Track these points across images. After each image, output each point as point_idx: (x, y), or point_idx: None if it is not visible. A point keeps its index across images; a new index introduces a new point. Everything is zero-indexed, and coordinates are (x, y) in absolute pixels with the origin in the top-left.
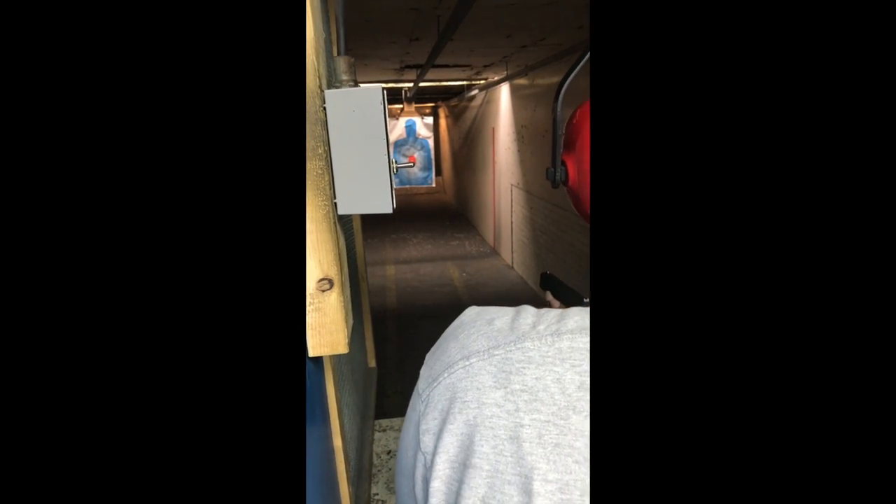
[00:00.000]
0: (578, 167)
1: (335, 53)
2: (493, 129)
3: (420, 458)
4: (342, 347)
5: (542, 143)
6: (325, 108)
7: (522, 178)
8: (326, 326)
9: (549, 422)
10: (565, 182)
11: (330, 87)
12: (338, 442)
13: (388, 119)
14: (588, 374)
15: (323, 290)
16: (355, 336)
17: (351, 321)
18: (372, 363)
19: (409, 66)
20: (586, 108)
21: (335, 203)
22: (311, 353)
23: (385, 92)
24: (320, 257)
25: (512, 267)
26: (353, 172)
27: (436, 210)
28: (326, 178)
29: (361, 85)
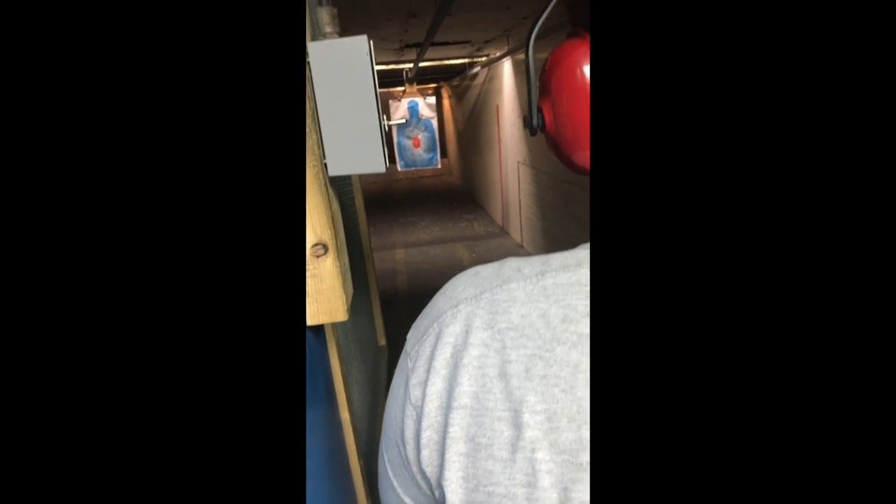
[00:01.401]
0: (554, 112)
1: (319, 4)
2: (497, 107)
3: (410, 413)
4: (341, 314)
5: None
6: (308, 63)
7: (529, 155)
8: (323, 293)
9: (535, 355)
10: (543, 128)
11: (313, 40)
12: (345, 415)
13: (375, 71)
14: (571, 307)
15: (318, 256)
16: (363, 314)
17: (350, 289)
18: (382, 341)
19: (408, 46)
20: (557, 54)
21: (325, 164)
22: (309, 321)
23: (371, 42)
24: (312, 221)
25: (521, 245)
26: (343, 130)
27: (443, 192)
28: (314, 137)
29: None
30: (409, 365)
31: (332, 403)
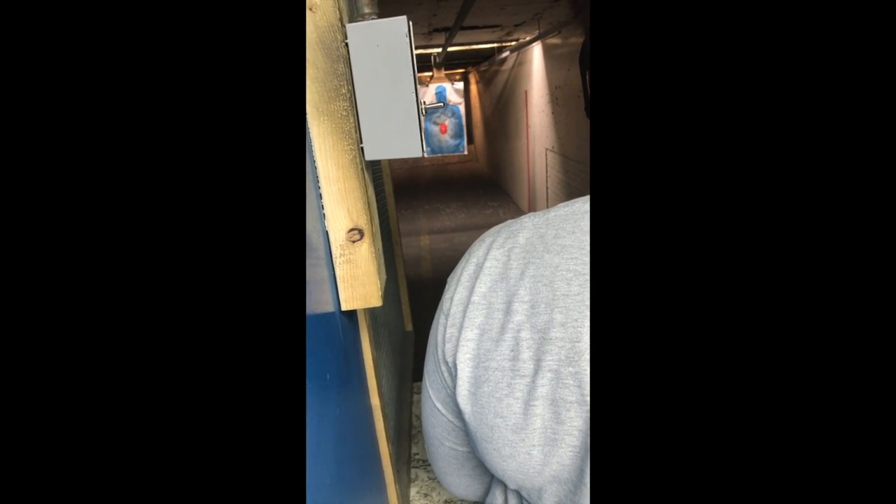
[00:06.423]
0: None
1: None
2: (526, 92)
3: (442, 321)
4: (375, 300)
5: (578, 104)
6: (347, 44)
7: (558, 142)
8: (359, 279)
9: (529, 262)
10: None
11: (351, 21)
12: (375, 400)
13: (414, 53)
14: (562, 228)
15: (353, 241)
16: (391, 299)
17: (384, 275)
18: (409, 327)
19: (437, 30)
20: None
21: (361, 148)
22: (344, 306)
23: (410, 23)
24: (349, 206)
25: None
26: (380, 113)
27: (468, 179)
28: (351, 121)
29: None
30: (446, 288)
31: (363, 388)
